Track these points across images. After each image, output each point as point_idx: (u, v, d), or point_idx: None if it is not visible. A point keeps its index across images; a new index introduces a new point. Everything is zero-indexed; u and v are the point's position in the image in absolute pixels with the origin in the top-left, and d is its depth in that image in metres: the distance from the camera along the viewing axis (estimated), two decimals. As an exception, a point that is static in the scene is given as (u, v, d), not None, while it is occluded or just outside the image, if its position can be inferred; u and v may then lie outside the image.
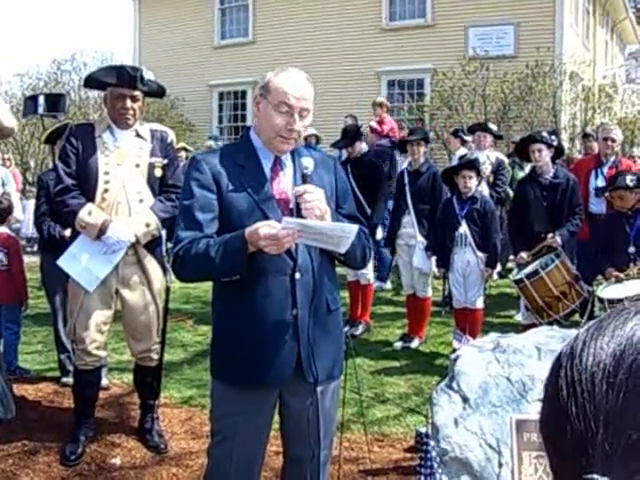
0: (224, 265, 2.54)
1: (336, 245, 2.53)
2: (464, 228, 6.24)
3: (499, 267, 6.64)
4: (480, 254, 6.22)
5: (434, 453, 3.11)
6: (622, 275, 5.49)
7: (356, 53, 17.47)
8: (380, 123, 11.81)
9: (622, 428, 0.75)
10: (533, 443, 2.75)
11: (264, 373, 2.66)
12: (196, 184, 2.66)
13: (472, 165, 6.40)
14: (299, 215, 2.55)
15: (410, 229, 6.79)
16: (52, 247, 5.16)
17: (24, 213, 12.34)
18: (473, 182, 6.26)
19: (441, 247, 6.43)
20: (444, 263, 6.42)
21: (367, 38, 17.49)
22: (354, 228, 2.49)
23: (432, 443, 3.12)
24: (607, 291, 5.45)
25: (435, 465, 3.08)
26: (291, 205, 2.68)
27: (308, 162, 2.66)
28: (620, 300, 5.11)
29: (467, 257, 6.26)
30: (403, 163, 10.51)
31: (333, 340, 2.81)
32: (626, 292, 5.23)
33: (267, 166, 2.73)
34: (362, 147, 7.36)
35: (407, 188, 6.79)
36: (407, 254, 6.88)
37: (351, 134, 7.41)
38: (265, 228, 2.41)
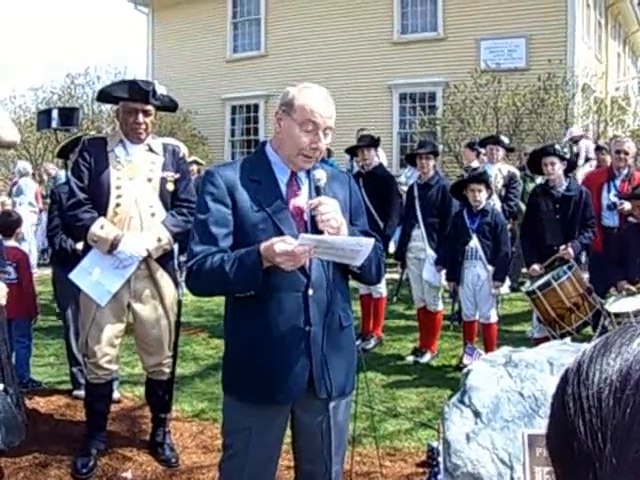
0: (238, 280, 2.53)
1: (352, 259, 2.52)
2: (475, 242, 6.23)
3: (508, 281, 6.61)
4: (491, 268, 6.21)
5: (440, 467, 3.09)
6: (634, 288, 5.45)
7: (368, 66, 17.50)
8: None
9: (629, 443, 0.75)
10: (545, 458, 2.71)
11: (276, 391, 2.66)
12: (211, 198, 2.66)
13: (481, 178, 6.39)
14: (314, 228, 2.55)
15: (420, 242, 6.78)
16: (64, 260, 5.17)
17: (38, 226, 12.46)
18: (483, 195, 6.25)
19: (451, 261, 6.42)
20: (454, 277, 6.41)
21: (379, 51, 17.52)
22: (371, 242, 2.48)
23: (440, 459, 3.11)
24: (616, 305, 5.42)
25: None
26: (306, 218, 2.68)
27: (320, 174, 2.65)
28: (626, 314, 5.09)
29: (477, 271, 6.25)
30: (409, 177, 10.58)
31: (346, 357, 2.80)
32: (634, 306, 5.19)
33: (283, 181, 2.72)
34: (375, 160, 7.36)
35: (417, 201, 6.78)
36: (417, 267, 6.86)
37: (367, 138, 7.44)
38: (281, 244, 2.41)
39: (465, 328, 6.50)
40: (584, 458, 0.78)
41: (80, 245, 4.81)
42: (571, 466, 0.80)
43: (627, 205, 6.46)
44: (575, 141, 12.12)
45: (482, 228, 6.23)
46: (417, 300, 7.03)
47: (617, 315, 5.18)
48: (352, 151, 7.84)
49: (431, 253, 6.66)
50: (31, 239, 11.91)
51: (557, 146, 6.26)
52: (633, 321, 4.89)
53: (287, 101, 2.67)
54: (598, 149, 9.71)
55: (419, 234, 6.78)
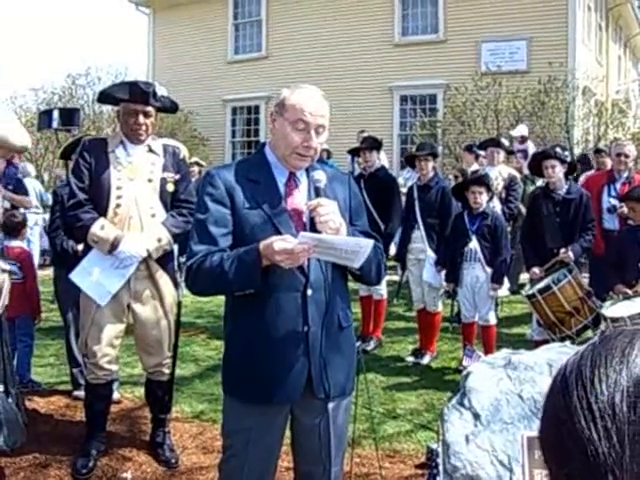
0: (238, 279, 2.53)
1: (351, 260, 2.52)
2: (474, 243, 6.24)
3: (508, 283, 6.61)
4: (489, 270, 6.21)
5: (439, 469, 3.09)
6: (630, 292, 5.44)
7: (369, 68, 17.52)
8: None
9: None
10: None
11: (275, 391, 2.66)
12: (210, 199, 2.67)
13: (482, 181, 6.40)
14: (313, 229, 2.56)
15: (420, 244, 6.79)
16: (65, 261, 5.18)
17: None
18: (483, 198, 6.26)
19: (451, 262, 6.43)
20: (453, 278, 6.42)
21: (380, 53, 17.54)
22: (370, 243, 2.49)
23: (439, 461, 3.11)
24: (612, 309, 5.40)
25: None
26: (305, 219, 2.69)
27: (320, 175, 2.66)
28: (622, 318, 5.07)
29: (476, 273, 6.26)
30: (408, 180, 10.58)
31: (345, 357, 2.80)
32: (629, 310, 5.18)
33: (281, 182, 2.73)
34: (377, 162, 7.36)
35: (416, 203, 6.79)
36: (417, 269, 6.87)
37: (370, 140, 7.45)
38: (280, 242, 2.42)
39: (464, 330, 6.51)
40: (602, 464, 0.78)
41: (81, 246, 4.81)
42: (586, 472, 0.79)
43: (627, 208, 6.46)
44: (522, 140, 12.19)
45: (482, 230, 6.24)
46: (417, 301, 7.03)
47: (613, 320, 5.17)
48: (354, 152, 7.85)
49: (431, 254, 6.67)
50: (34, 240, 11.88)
51: (558, 149, 6.25)
52: (629, 325, 4.89)
53: (280, 101, 2.69)
54: (598, 152, 9.70)
55: (419, 235, 6.79)
